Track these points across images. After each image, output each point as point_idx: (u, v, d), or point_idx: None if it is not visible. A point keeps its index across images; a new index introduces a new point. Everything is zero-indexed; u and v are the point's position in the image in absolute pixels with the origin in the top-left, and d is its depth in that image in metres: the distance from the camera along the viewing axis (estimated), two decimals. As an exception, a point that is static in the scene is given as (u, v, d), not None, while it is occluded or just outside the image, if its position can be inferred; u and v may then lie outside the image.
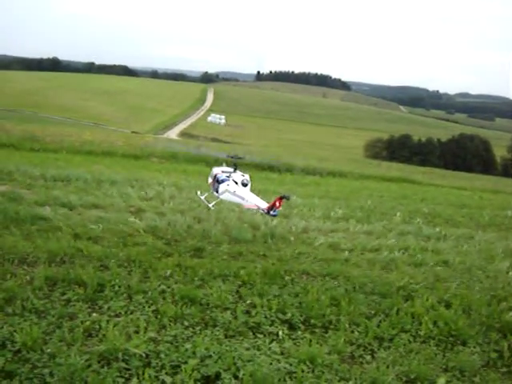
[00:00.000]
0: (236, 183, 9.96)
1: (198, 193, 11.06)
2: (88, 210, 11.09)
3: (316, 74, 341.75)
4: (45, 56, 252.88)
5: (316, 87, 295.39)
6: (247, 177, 10.18)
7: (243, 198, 9.87)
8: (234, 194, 9.94)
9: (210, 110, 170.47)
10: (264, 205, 9.69)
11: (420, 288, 8.28)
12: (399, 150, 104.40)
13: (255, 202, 9.83)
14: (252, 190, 10.20)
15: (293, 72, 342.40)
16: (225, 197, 10.11)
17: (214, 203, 10.42)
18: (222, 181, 10.05)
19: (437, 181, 38.00)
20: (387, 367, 5.64)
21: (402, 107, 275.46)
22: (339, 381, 5.30)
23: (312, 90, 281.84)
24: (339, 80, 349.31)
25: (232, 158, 10.95)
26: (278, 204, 9.49)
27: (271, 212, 9.53)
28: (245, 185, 10.00)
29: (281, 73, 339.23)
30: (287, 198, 9.73)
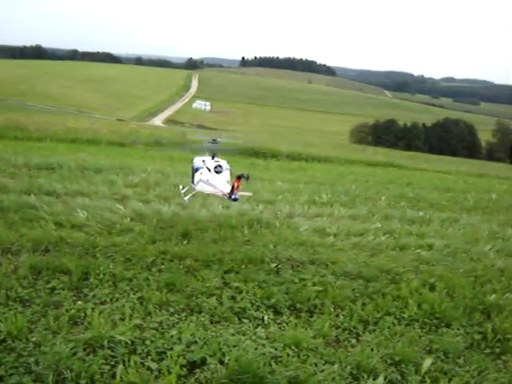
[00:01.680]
0: (209, 170, 8.82)
1: (180, 187, 10.15)
2: (72, 197, 10.98)
3: (301, 59, 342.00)
4: (28, 44, 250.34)
5: (301, 73, 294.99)
6: (223, 163, 8.96)
7: (216, 187, 8.59)
8: (207, 182, 8.74)
9: (195, 97, 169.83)
10: (227, 189, 8.35)
11: (405, 271, 8.32)
12: (384, 134, 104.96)
13: (221, 188, 8.50)
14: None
15: (278, 57, 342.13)
16: (200, 187, 8.92)
17: (188, 196, 9.51)
18: (197, 169, 8.97)
19: (422, 165, 38.17)
20: (372, 350, 5.69)
21: (387, 92, 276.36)
22: (324, 364, 5.32)
23: (297, 76, 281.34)
24: (324, 65, 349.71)
25: (211, 143, 9.60)
26: (236, 185, 8.08)
27: (232, 196, 8.11)
28: (218, 172, 8.79)
29: (266, 58, 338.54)
30: (246, 178, 8.05)
